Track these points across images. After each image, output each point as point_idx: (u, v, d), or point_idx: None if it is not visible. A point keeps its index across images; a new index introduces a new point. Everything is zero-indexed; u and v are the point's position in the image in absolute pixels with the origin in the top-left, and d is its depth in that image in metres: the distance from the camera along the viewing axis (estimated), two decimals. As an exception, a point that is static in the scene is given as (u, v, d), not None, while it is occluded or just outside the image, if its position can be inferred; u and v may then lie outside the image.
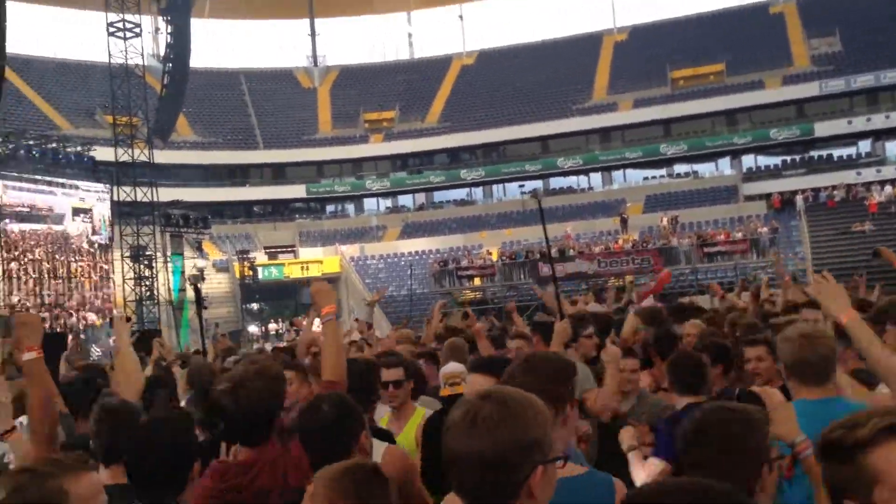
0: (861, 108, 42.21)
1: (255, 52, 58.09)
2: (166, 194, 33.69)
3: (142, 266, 29.26)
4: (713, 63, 47.07)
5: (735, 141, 44.16)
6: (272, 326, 34.26)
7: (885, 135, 41.79)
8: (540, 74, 51.04)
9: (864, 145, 42.85)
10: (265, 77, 56.65)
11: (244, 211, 48.39)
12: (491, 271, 36.24)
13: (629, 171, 46.93)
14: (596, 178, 47.41)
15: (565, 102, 48.36)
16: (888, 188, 37.98)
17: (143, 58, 31.61)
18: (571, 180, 48.11)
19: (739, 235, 33.77)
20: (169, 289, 30.98)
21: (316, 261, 41.22)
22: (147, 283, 29.25)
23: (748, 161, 44.86)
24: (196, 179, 46.00)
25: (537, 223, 42.40)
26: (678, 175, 45.71)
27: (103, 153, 30.52)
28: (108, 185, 29.71)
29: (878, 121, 41.09)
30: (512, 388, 1.72)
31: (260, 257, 39.92)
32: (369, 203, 50.45)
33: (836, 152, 43.23)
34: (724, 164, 45.25)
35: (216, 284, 37.47)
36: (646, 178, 46.39)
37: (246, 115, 52.34)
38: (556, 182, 48.29)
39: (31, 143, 27.84)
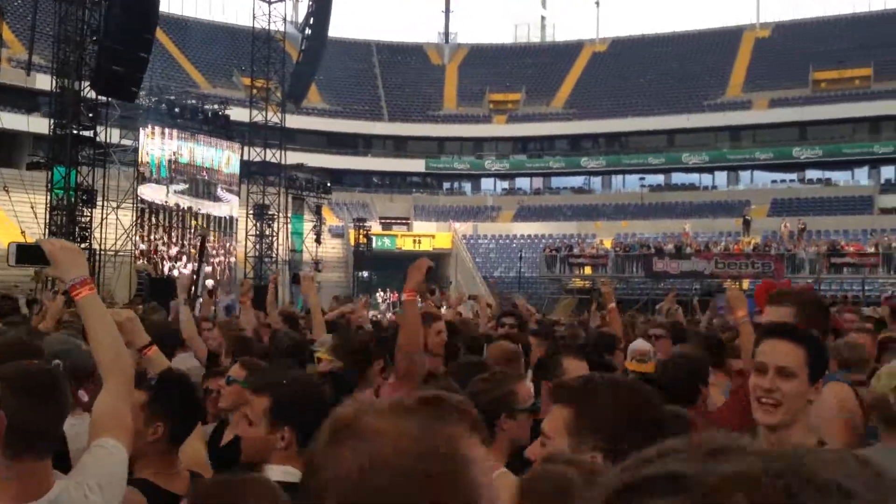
0: None
1: (389, 26, 59.06)
2: (291, 158, 34.81)
3: (264, 224, 30.41)
4: (859, 67, 44.61)
5: (875, 150, 41.88)
6: (379, 296, 34.96)
7: None
8: (672, 66, 49.72)
9: None
10: (396, 51, 57.41)
11: (363, 180, 49.47)
12: (603, 262, 35.82)
13: (757, 173, 45.28)
14: (721, 176, 45.98)
15: (696, 97, 46.96)
16: None
17: (283, 24, 32.63)
18: (694, 177, 46.81)
19: (871, 249, 32.14)
20: (288, 248, 32.12)
21: (428, 235, 41.78)
22: (267, 241, 30.39)
23: (888, 172, 42.47)
24: (320, 146, 47.27)
25: (655, 217, 41.71)
26: (810, 181, 43.78)
27: (237, 114, 31.78)
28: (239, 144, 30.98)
29: None
30: None
31: (375, 227, 40.80)
32: (486, 183, 50.63)
33: None
34: (861, 174, 43.02)
35: (330, 249, 38.54)
36: (774, 182, 44.65)
37: (374, 87, 53.30)
38: (679, 178, 47.09)
39: (172, 98, 29.25)
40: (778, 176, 44.78)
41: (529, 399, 2.78)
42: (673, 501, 0.43)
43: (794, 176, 44.38)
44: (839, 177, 43.44)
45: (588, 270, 36.10)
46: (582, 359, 3.41)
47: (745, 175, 45.73)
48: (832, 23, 50.90)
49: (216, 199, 29.43)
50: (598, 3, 58.56)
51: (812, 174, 44.05)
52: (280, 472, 2.39)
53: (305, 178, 34.74)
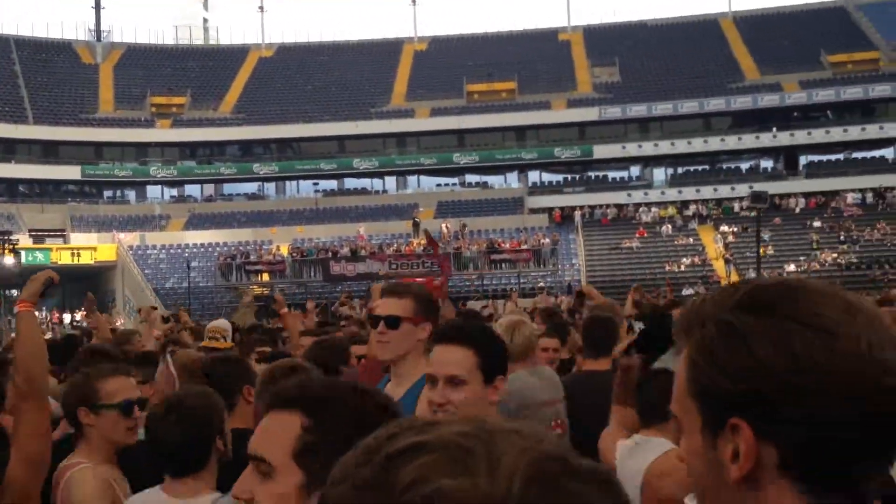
0: (634, 135, 45.78)
1: (31, 20, 53.32)
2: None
3: None
4: (506, 80, 49.11)
5: (523, 156, 46.35)
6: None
7: (653, 161, 45.65)
8: (340, 74, 50.83)
9: (635, 170, 46.59)
10: (40, 47, 51.99)
11: (7, 189, 43.99)
12: (280, 268, 35.65)
13: (423, 178, 47.87)
14: (391, 181, 47.87)
15: (364, 105, 48.43)
16: (654, 210, 41.54)
17: None
18: (366, 182, 48.26)
19: (525, 245, 35.50)
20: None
21: (89, 247, 38.28)
22: None
23: (534, 176, 47.24)
24: (-49, 151, 41.39)
25: (330, 222, 42.28)
26: (469, 185, 47.25)
27: None
28: None
29: (648, 148, 44.78)
30: None
31: (24, 240, 36.42)
32: (153, 190, 47.64)
33: (611, 174, 46.64)
34: (513, 178, 47.36)
35: (-32, 268, 33.70)
36: (439, 185, 47.54)
37: (15, 86, 47.65)
38: (351, 182, 48.25)
39: None
40: (442, 180, 47.74)
41: (118, 395, 2.78)
42: (431, 457, 0.55)
43: (455, 180, 47.58)
44: (494, 181, 47.44)
45: (266, 277, 35.69)
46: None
47: (412, 179, 48.09)
48: (482, 39, 55.52)
49: None
50: (262, 9, 57.99)
51: (471, 178, 47.56)
52: None
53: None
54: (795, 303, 0.88)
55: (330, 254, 35.73)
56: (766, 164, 45.38)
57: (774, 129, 43.20)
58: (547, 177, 47.37)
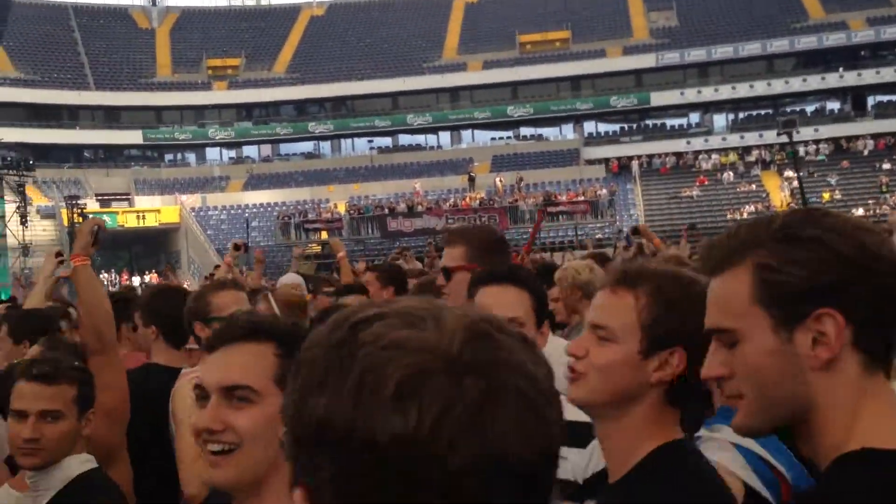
0: (693, 80, 44.58)
1: (87, -13, 54.06)
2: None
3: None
4: (559, 30, 48.19)
5: (578, 106, 45.61)
6: (105, 278, 32.32)
7: (713, 107, 44.47)
8: (391, 30, 50.52)
9: (695, 116, 45.46)
10: (98, 13, 52.79)
11: (74, 155, 45.18)
12: (338, 225, 35.99)
13: (477, 132, 47.55)
14: (445, 136, 47.72)
15: (416, 60, 48.15)
16: (714, 157, 40.61)
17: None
18: (420, 138, 48.20)
19: (582, 197, 35.13)
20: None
21: (153, 210, 39.34)
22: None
23: (589, 126, 46.53)
24: (18, 119, 42.54)
25: (386, 178, 42.45)
26: (524, 137, 46.78)
27: None
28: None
29: (708, 93, 43.62)
30: None
31: (91, 204, 37.51)
32: (212, 152, 48.44)
33: (669, 122, 45.63)
34: (568, 129, 46.74)
35: (41, 232, 34.88)
36: (493, 139, 47.19)
37: (75, 53, 48.64)
38: (405, 139, 48.23)
39: None
40: (496, 133, 47.36)
41: (227, 307, 2.69)
42: (389, 320, 0.67)
43: (510, 133, 47.16)
44: (549, 132, 46.87)
45: (324, 235, 36.05)
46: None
47: (466, 134, 47.83)
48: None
49: None
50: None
51: (526, 131, 47.09)
52: (79, 463, 2.31)
53: (1, 156, 31.01)
54: (835, 217, 1.08)
55: (387, 210, 35.96)
56: (833, 105, 43.78)
57: (841, 69, 41.60)
58: (603, 127, 46.59)
